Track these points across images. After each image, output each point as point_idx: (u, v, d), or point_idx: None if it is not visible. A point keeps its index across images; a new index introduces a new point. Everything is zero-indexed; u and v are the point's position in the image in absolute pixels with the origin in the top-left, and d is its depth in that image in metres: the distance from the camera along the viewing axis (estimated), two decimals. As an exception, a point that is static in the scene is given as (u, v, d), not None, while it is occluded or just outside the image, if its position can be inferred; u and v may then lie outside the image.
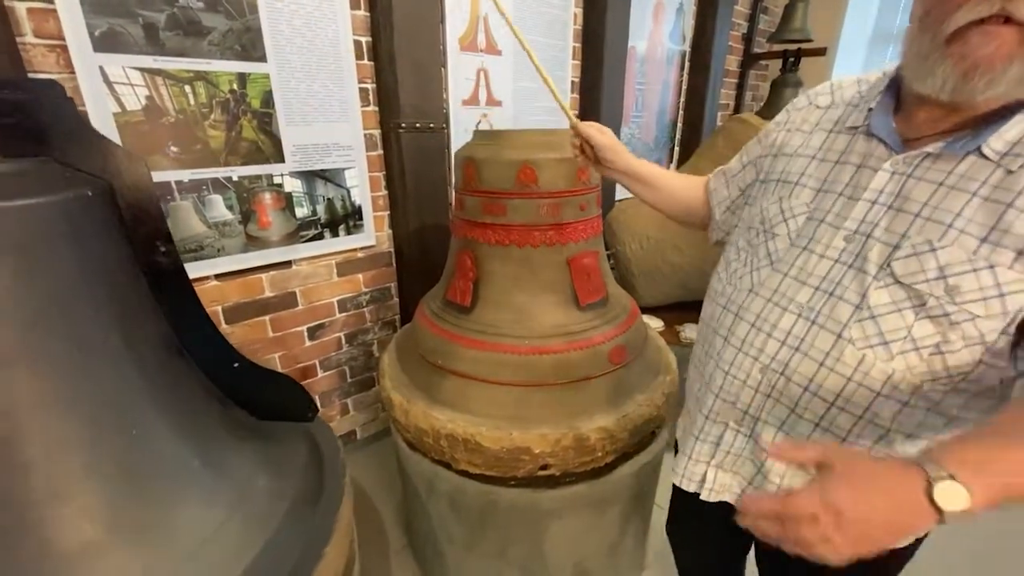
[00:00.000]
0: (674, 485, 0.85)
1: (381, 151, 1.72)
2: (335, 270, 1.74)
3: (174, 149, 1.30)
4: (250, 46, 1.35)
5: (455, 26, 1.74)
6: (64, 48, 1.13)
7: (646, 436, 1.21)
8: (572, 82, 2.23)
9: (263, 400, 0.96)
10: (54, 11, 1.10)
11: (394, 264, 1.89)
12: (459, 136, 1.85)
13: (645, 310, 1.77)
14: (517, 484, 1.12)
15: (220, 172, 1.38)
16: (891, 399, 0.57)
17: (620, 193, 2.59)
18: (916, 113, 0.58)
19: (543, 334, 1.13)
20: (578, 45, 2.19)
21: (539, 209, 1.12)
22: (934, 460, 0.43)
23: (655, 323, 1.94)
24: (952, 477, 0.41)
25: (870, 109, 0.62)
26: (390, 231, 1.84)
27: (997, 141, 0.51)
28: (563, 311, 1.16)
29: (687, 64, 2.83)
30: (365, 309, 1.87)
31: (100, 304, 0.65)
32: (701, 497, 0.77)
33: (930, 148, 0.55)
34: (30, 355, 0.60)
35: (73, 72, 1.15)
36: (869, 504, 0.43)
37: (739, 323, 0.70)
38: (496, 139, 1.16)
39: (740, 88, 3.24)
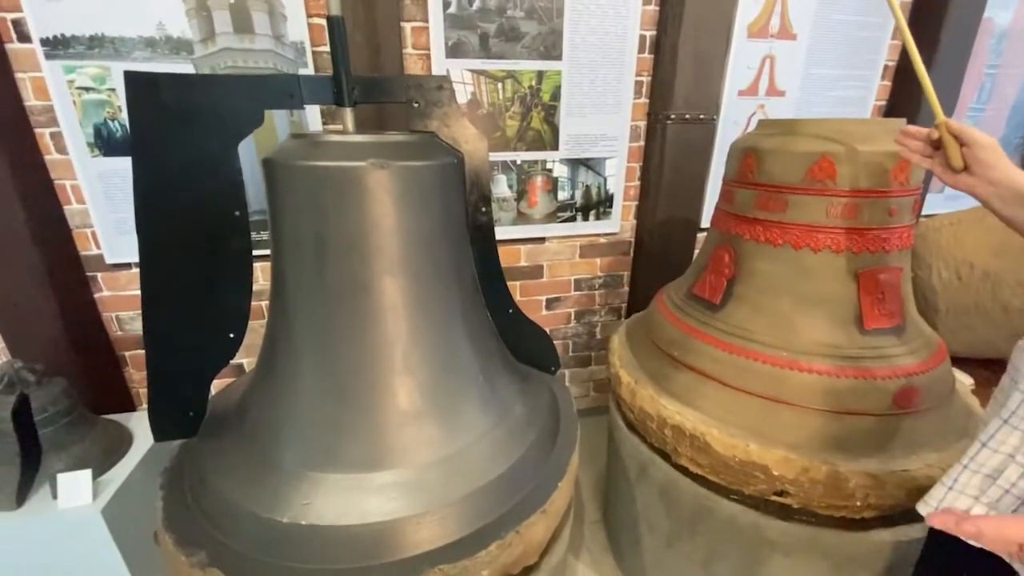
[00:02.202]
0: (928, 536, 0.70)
1: (642, 142, 1.76)
2: (578, 251, 1.88)
3: (481, 134, 1.61)
4: (551, 46, 1.55)
5: (746, 11, 1.63)
6: (427, 56, 1.52)
7: (928, 508, 0.96)
8: (884, 66, 1.83)
9: (522, 345, 1.14)
10: (426, 28, 1.49)
11: (631, 253, 1.94)
12: (726, 128, 1.75)
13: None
14: (740, 500, 1.04)
15: (509, 156, 1.65)
16: None
17: (930, 206, 2.04)
18: None
19: (806, 350, 1.00)
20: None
21: (830, 208, 0.98)
22: None
23: (964, 379, 1.48)
24: None
25: None
26: (634, 221, 1.88)
27: None
28: (839, 330, 1.00)
29: (1087, 35, 1.99)
30: (596, 292, 1.98)
31: (449, 243, 0.89)
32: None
33: None
34: (407, 268, 0.84)
35: (430, 74, 1.53)
36: None
37: None
38: (788, 128, 1.06)
39: None
